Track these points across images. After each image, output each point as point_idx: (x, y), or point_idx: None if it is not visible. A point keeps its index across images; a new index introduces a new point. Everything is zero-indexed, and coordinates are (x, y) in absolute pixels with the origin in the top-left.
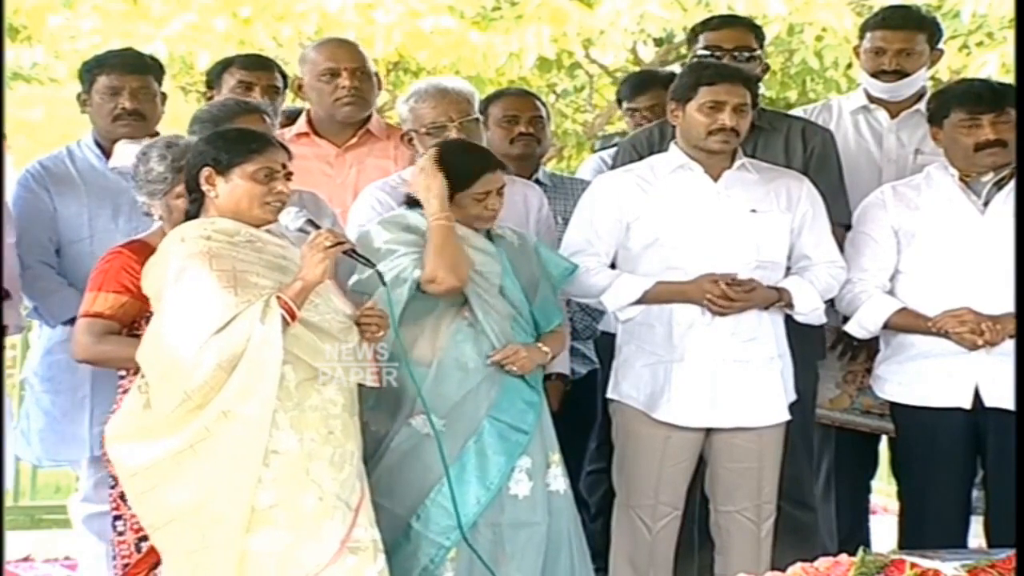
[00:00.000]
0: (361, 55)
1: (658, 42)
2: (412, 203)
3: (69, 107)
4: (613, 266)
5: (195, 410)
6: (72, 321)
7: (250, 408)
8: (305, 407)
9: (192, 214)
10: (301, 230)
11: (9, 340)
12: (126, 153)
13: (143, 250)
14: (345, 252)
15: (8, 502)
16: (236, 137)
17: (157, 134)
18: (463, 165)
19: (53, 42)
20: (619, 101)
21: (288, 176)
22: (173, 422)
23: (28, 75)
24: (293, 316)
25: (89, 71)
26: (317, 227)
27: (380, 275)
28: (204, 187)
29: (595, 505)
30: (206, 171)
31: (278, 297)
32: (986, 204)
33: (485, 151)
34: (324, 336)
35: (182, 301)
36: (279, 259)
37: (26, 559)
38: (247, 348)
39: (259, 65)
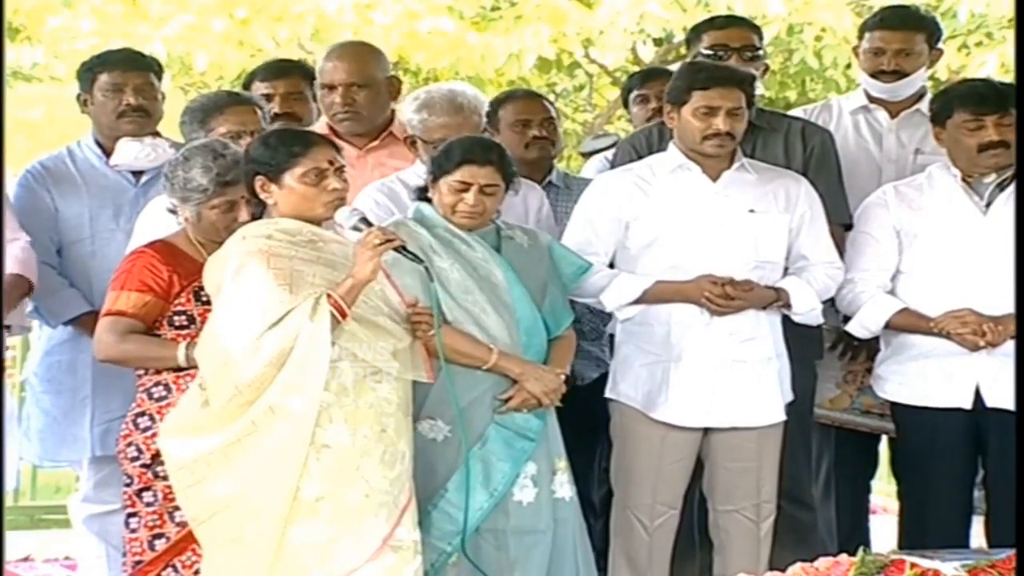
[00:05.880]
0: (361, 67)
1: (657, 42)
2: (423, 196)
3: (69, 107)
4: (612, 266)
5: (244, 405)
6: (72, 321)
7: (296, 404)
8: (360, 404)
9: (258, 216)
10: (355, 228)
11: (9, 340)
12: (128, 151)
13: (166, 250)
14: (395, 249)
15: (8, 502)
16: (278, 142)
17: (158, 133)
18: (449, 148)
19: (53, 42)
20: (627, 93)
21: (340, 170)
22: (223, 417)
23: (28, 74)
24: (344, 314)
25: (89, 69)
26: (370, 225)
27: (428, 271)
28: (261, 194)
29: (599, 505)
30: (259, 180)
31: (328, 295)
32: (988, 205)
33: (484, 141)
34: (380, 334)
35: (237, 297)
36: (340, 258)
37: (26, 559)
38: (295, 345)
39: (277, 73)
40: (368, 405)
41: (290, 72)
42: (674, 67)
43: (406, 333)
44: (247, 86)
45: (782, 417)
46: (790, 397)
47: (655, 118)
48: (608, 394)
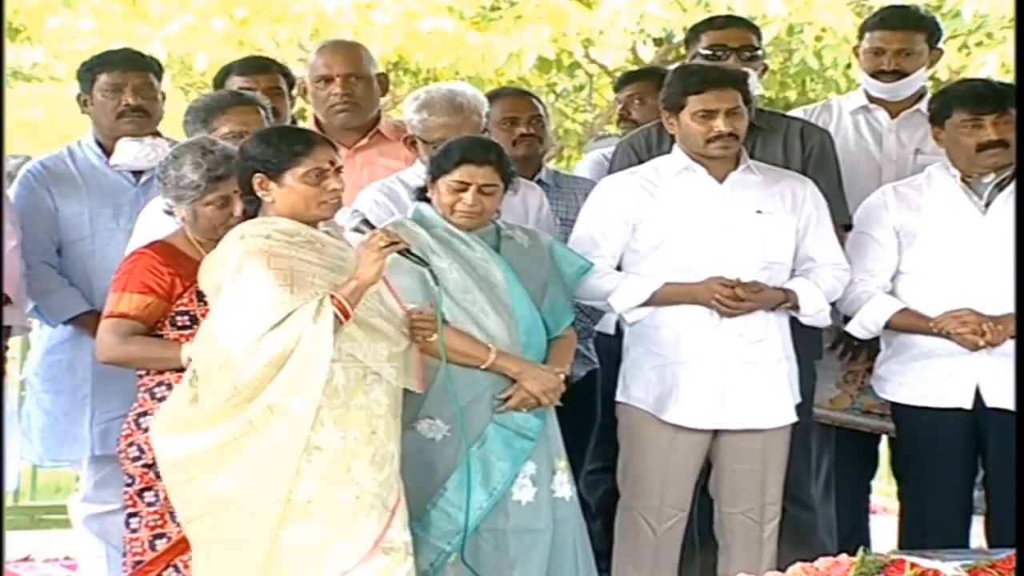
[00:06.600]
0: (357, 59)
1: (658, 42)
2: (423, 196)
3: (69, 107)
4: (619, 268)
5: (241, 404)
6: (72, 320)
7: (295, 404)
8: (351, 406)
9: (251, 214)
10: (356, 230)
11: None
12: (128, 151)
13: (166, 251)
14: (399, 252)
15: (8, 502)
16: (280, 140)
17: (159, 133)
18: (448, 148)
19: (53, 42)
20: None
21: (339, 171)
22: (219, 415)
23: (28, 74)
24: (347, 315)
25: (89, 70)
26: (372, 227)
27: (433, 274)
28: (259, 192)
29: (595, 505)
30: (258, 177)
31: (332, 296)
32: (987, 205)
33: (482, 141)
34: (377, 336)
35: (238, 297)
36: (337, 260)
37: (26, 559)
38: (297, 346)
39: (257, 68)
40: (358, 407)
41: (269, 68)
42: (670, 68)
43: (402, 337)
44: (221, 82)
45: (792, 419)
46: (799, 399)
47: (623, 122)
48: (619, 397)
